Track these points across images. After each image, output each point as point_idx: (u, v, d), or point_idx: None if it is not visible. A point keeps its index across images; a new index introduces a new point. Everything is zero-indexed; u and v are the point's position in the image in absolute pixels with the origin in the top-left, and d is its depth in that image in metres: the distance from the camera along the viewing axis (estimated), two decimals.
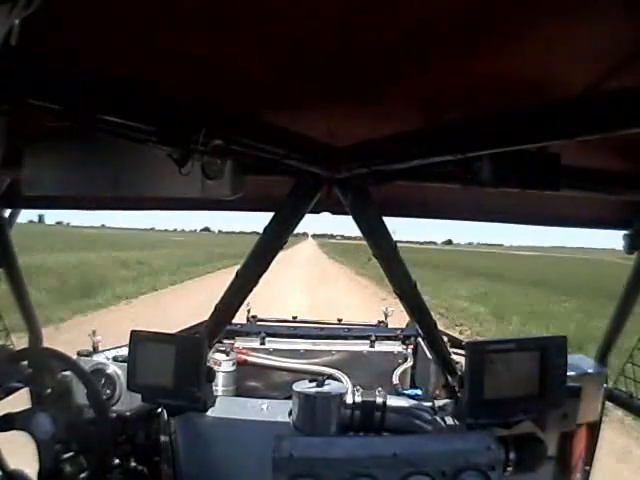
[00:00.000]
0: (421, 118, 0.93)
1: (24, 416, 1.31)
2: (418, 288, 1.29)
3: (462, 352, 1.42)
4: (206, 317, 1.43)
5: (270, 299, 6.98)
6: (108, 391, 1.47)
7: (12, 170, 1.06)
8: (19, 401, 1.42)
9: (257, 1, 0.60)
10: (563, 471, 1.50)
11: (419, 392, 1.73)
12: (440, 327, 1.45)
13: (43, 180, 1.02)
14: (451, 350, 1.44)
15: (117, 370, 1.49)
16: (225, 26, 0.65)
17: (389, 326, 2.20)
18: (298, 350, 1.91)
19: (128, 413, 1.44)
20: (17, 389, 1.43)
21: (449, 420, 1.31)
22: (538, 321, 9.18)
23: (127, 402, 1.44)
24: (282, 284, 11.37)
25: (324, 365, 1.87)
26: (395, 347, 1.94)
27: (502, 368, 1.17)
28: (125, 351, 1.35)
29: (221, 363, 1.73)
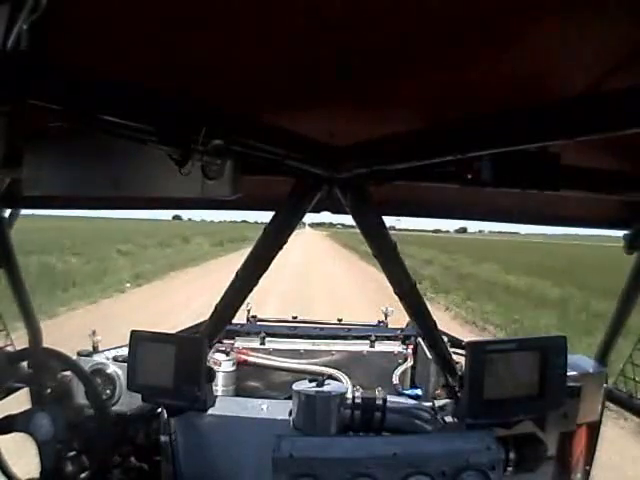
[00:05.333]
0: (421, 118, 0.93)
1: (24, 417, 1.31)
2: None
3: (462, 352, 1.42)
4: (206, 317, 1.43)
5: None
6: (108, 391, 1.47)
7: (12, 170, 1.06)
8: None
9: (257, 1, 0.60)
10: (563, 471, 1.50)
11: (419, 392, 1.74)
12: None
13: (43, 180, 1.02)
14: (451, 350, 1.44)
15: (117, 370, 1.49)
16: (225, 26, 0.65)
17: (389, 326, 2.20)
18: (298, 350, 1.91)
19: (128, 413, 1.44)
20: (17, 389, 1.44)
21: (449, 420, 1.31)
22: None
23: (127, 402, 1.44)
24: None
25: (324, 365, 1.87)
26: (395, 347, 1.94)
27: (502, 368, 1.17)
28: (125, 351, 1.35)
29: (221, 363, 1.73)
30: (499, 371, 1.16)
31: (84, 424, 1.36)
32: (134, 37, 0.68)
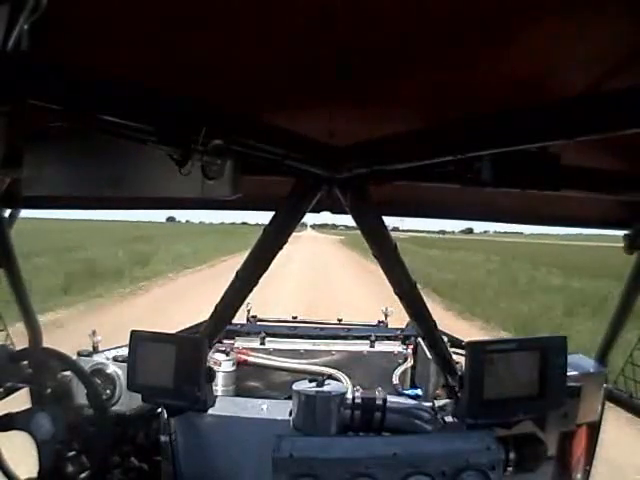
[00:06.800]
0: (421, 118, 0.93)
1: (24, 416, 1.31)
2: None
3: (462, 352, 1.42)
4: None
5: None
6: (108, 391, 1.47)
7: (12, 170, 1.06)
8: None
9: (257, 1, 0.60)
10: (563, 471, 1.50)
11: (419, 392, 1.74)
12: None
13: (43, 180, 1.02)
14: (451, 350, 1.44)
15: (117, 370, 1.49)
16: (225, 26, 0.65)
17: (389, 326, 2.20)
18: (298, 350, 1.91)
19: (128, 413, 1.44)
20: (17, 389, 1.44)
21: (449, 420, 1.31)
22: None
23: (127, 402, 1.44)
24: None
25: (324, 365, 1.87)
26: (395, 347, 1.94)
27: (502, 368, 1.17)
28: (125, 351, 1.35)
29: (221, 363, 1.73)
30: (499, 371, 1.16)
31: (84, 424, 1.36)
32: (134, 37, 0.68)
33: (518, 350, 1.19)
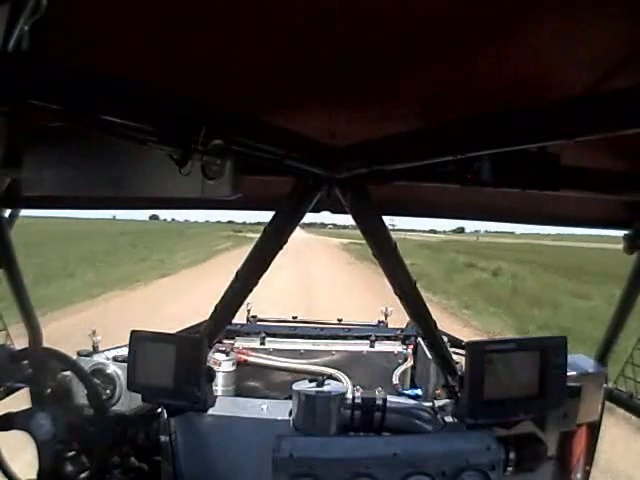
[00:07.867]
0: (421, 118, 0.93)
1: (24, 416, 1.31)
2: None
3: (462, 352, 1.42)
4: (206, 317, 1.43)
5: None
6: (108, 391, 1.47)
7: (12, 170, 1.06)
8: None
9: (257, 1, 0.60)
10: (563, 471, 1.50)
11: (419, 392, 1.74)
12: None
13: (43, 180, 1.02)
14: (451, 350, 1.44)
15: (117, 370, 1.49)
16: (225, 26, 0.66)
17: (389, 326, 2.20)
18: (298, 350, 1.91)
19: (128, 413, 1.44)
20: (17, 389, 1.44)
21: (449, 420, 1.31)
22: None
23: (127, 402, 1.44)
24: None
25: (324, 365, 1.87)
26: (395, 347, 1.95)
27: (502, 368, 1.17)
28: (125, 351, 1.35)
29: (221, 363, 1.73)
30: (499, 371, 1.16)
31: (84, 424, 1.36)
32: (134, 37, 0.68)
33: (518, 350, 1.19)
